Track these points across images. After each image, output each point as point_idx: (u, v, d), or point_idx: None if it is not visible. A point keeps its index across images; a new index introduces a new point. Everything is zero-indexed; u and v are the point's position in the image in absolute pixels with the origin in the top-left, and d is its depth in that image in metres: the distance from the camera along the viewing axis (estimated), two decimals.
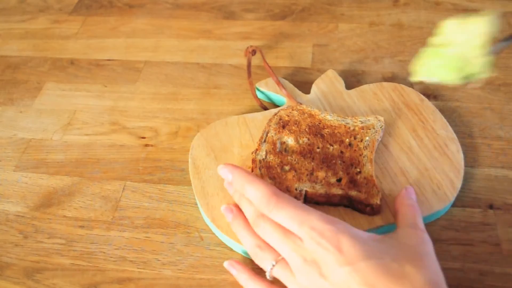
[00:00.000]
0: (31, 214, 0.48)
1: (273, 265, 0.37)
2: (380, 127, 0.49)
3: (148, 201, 0.48)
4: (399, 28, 0.68)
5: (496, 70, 0.60)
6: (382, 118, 0.49)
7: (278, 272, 0.37)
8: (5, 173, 0.52)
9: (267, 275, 0.37)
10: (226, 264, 0.41)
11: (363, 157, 0.46)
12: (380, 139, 0.49)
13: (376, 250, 0.34)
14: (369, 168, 0.45)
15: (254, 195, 0.38)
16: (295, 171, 0.45)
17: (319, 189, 0.44)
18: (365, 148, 0.47)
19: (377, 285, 0.32)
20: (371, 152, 0.46)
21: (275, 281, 0.38)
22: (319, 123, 0.49)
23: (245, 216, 0.40)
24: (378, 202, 0.42)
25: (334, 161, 0.46)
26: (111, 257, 0.44)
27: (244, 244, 0.40)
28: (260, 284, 0.38)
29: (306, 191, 0.44)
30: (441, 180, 0.46)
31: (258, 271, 0.39)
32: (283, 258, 0.36)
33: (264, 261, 0.37)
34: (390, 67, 0.62)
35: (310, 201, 0.44)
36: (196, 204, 0.47)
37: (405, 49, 0.64)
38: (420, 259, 0.34)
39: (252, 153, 0.47)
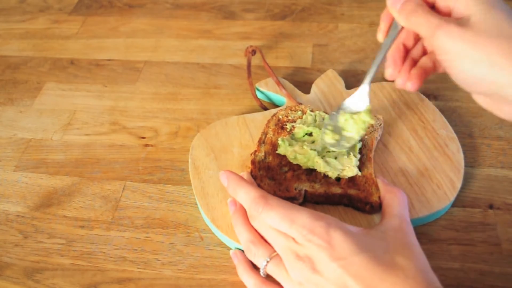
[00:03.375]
0: (31, 214, 0.48)
1: (267, 262, 0.37)
2: (379, 126, 0.49)
3: (148, 201, 0.48)
4: None
5: None
6: (380, 117, 0.49)
7: (272, 269, 0.37)
8: (5, 173, 0.52)
9: (261, 272, 0.38)
10: (231, 252, 0.42)
11: (362, 155, 0.46)
12: (379, 138, 0.49)
13: (367, 243, 0.34)
14: (368, 167, 0.45)
15: (244, 198, 0.39)
16: (294, 171, 0.45)
17: (319, 188, 0.44)
18: (363, 146, 0.47)
19: (372, 277, 0.32)
20: (370, 150, 0.47)
21: (269, 278, 0.38)
22: None
23: (245, 212, 0.41)
24: (378, 200, 0.42)
25: None
26: (111, 257, 0.44)
27: (239, 238, 0.40)
28: (254, 277, 0.39)
29: (305, 190, 0.44)
30: (441, 180, 0.46)
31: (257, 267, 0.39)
32: (277, 255, 0.37)
33: (258, 258, 0.38)
34: None
35: (310, 200, 0.44)
36: (196, 204, 0.47)
37: None
38: (409, 250, 0.35)
39: (251, 154, 0.47)
